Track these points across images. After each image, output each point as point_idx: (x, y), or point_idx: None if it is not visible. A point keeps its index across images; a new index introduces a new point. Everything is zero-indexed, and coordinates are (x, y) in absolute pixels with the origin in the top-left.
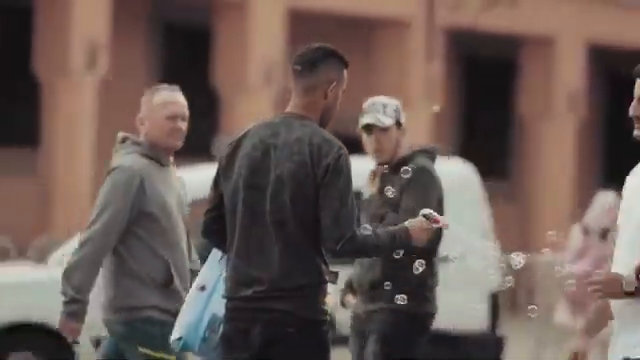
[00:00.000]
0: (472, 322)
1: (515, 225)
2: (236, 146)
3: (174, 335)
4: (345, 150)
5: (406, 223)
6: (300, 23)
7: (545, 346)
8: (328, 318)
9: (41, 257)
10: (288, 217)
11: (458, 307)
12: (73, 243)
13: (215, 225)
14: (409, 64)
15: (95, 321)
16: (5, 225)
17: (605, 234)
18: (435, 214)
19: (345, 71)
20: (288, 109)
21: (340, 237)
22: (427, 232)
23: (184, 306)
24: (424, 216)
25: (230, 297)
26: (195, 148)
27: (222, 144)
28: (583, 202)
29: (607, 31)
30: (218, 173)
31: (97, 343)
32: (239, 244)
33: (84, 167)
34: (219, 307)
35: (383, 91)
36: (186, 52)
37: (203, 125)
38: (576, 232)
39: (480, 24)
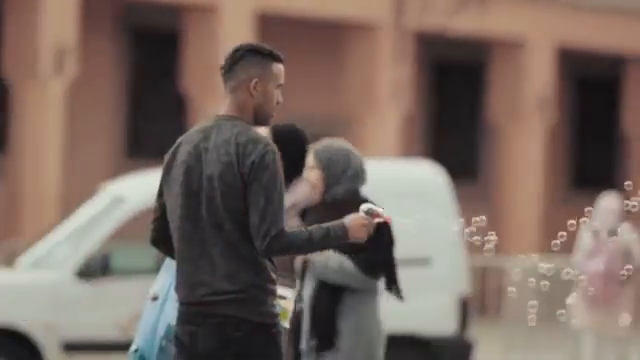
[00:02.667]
0: (441, 326)
1: (486, 227)
2: (174, 154)
3: (132, 347)
4: (272, 147)
5: (344, 219)
6: (269, 26)
7: (514, 350)
8: (279, 320)
9: (9, 260)
10: (224, 219)
11: (427, 311)
12: (41, 247)
13: (162, 234)
14: (378, 67)
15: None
16: None
17: (613, 234)
18: (377, 208)
19: (274, 65)
20: (221, 111)
21: (265, 234)
22: (366, 228)
23: (141, 317)
24: (365, 212)
25: (180, 302)
26: (164, 152)
27: None
28: (551, 205)
29: (576, 35)
30: (161, 182)
31: None
32: (182, 249)
33: (52, 170)
34: (173, 316)
35: (352, 94)
36: (154, 55)
37: (172, 128)
38: (584, 234)
39: (449, 27)
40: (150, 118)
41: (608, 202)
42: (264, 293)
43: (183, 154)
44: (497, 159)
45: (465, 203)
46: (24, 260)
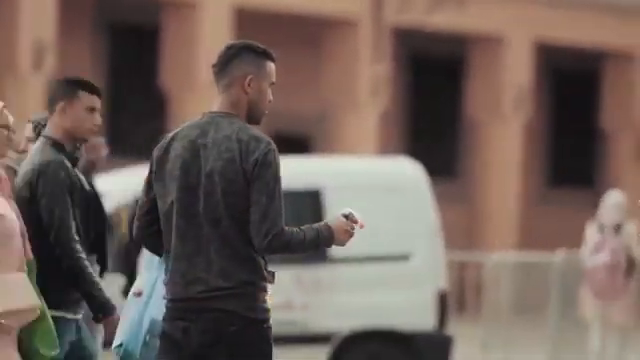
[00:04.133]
0: (420, 321)
1: (463, 224)
2: (166, 148)
3: (115, 342)
4: (273, 146)
5: (329, 222)
6: (248, 22)
7: (491, 346)
8: (270, 316)
9: None
10: (222, 216)
11: (406, 306)
12: None
13: (149, 229)
14: (356, 63)
15: None
16: None
17: (618, 229)
18: (355, 214)
19: (268, 63)
20: (214, 108)
21: (267, 232)
22: (349, 234)
23: (124, 311)
24: (344, 216)
25: (171, 299)
26: (143, 148)
27: None
28: (529, 202)
29: (553, 30)
30: (150, 177)
31: None
32: (177, 246)
33: None
34: (158, 311)
35: (331, 90)
36: (133, 51)
37: (151, 125)
38: (591, 230)
39: (427, 24)
40: (129, 114)
41: (613, 198)
42: (258, 290)
43: (177, 149)
44: (475, 155)
45: (443, 199)
46: None
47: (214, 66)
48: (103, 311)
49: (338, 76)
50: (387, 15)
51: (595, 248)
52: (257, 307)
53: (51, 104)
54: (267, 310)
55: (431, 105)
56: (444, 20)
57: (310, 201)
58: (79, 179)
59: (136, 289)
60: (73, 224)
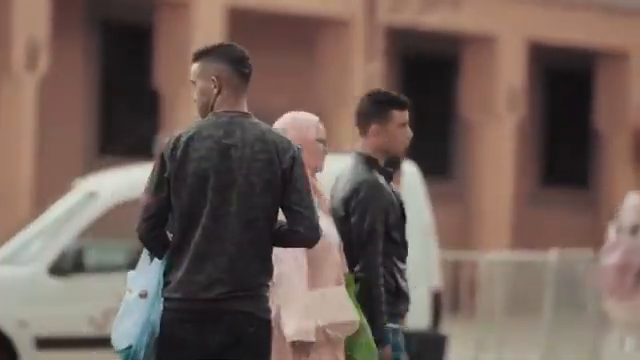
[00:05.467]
0: (414, 319)
1: (457, 224)
2: (185, 148)
3: (121, 344)
4: (297, 145)
5: None
6: (241, 21)
7: (486, 346)
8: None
9: None
10: (258, 216)
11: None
12: (14, 244)
13: (154, 232)
14: (350, 63)
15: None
16: None
17: (635, 230)
18: None
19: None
20: (226, 108)
21: (317, 225)
22: None
23: (126, 313)
24: None
25: (185, 298)
26: (136, 148)
27: (163, 144)
28: (522, 202)
29: (547, 30)
30: (161, 178)
31: None
32: (201, 246)
33: (25, 165)
34: (157, 312)
35: (324, 90)
36: (127, 50)
37: (144, 125)
38: (611, 230)
39: (421, 23)
40: (122, 113)
41: (632, 200)
42: (268, 290)
43: (201, 150)
44: (469, 155)
45: (437, 198)
46: None
47: (247, 68)
48: (382, 341)
49: (331, 76)
50: (380, 15)
51: (609, 248)
52: (269, 308)
53: (363, 123)
54: (271, 311)
55: (424, 105)
56: (438, 20)
57: None
58: (394, 195)
59: (141, 290)
60: (380, 243)
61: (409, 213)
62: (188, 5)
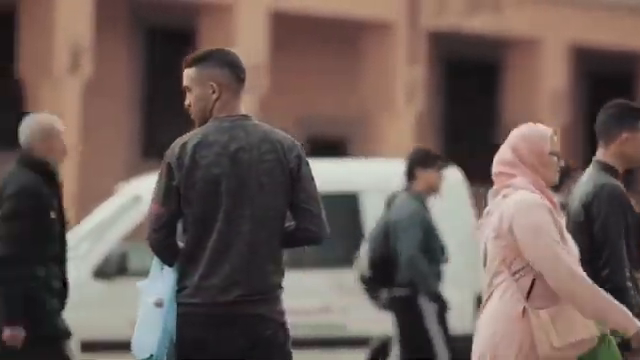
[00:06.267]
0: (459, 324)
1: None
2: (192, 155)
3: (142, 354)
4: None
5: None
6: (284, 25)
7: None
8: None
9: None
10: (270, 217)
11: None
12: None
13: (166, 240)
14: (392, 67)
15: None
16: None
17: None
18: None
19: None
20: (226, 113)
21: (325, 223)
22: None
23: (143, 323)
24: None
25: (203, 303)
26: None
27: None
28: None
29: (590, 33)
30: (171, 187)
31: None
32: (217, 251)
33: (68, 169)
34: (173, 320)
35: (367, 93)
36: (169, 54)
37: (187, 128)
38: None
39: (463, 27)
40: (166, 117)
41: None
42: (282, 292)
43: (209, 156)
44: None
45: (481, 202)
46: None
47: (243, 73)
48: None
49: (374, 79)
50: (423, 18)
51: None
52: (284, 310)
53: (612, 132)
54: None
55: (467, 109)
56: (480, 23)
57: (347, 204)
58: (630, 202)
59: (156, 299)
60: (624, 249)
61: (453, 218)
62: (231, 9)
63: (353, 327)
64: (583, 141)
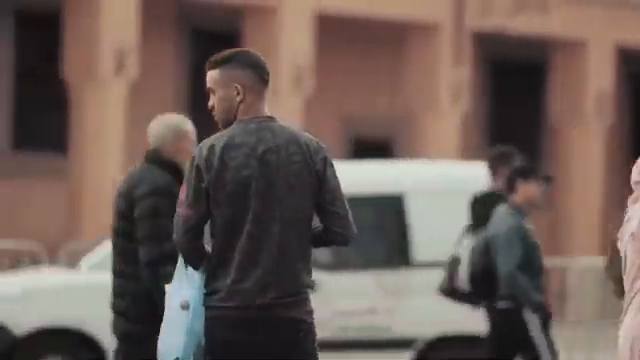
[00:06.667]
0: None
1: (547, 228)
2: (221, 157)
3: (168, 357)
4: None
5: None
6: (329, 27)
7: (575, 350)
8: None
9: (72, 262)
10: (299, 218)
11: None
12: (102, 249)
13: (193, 243)
14: (437, 67)
15: None
16: (35, 230)
17: None
18: None
19: None
20: (251, 114)
21: (352, 224)
22: None
23: (168, 326)
24: None
25: (237, 306)
26: None
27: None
28: (612, 204)
29: (635, 34)
30: (200, 189)
31: None
32: (248, 253)
33: (113, 171)
34: (201, 323)
35: (412, 94)
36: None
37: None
38: None
39: (508, 27)
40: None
41: None
42: (310, 292)
43: (238, 157)
44: (557, 159)
45: None
46: (87, 261)
47: (267, 74)
48: None
49: (419, 80)
50: (468, 19)
51: None
52: (312, 309)
53: None
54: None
55: (512, 109)
56: (526, 24)
57: (392, 206)
58: None
59: (183, 302)
60: None
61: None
62: (276, 10)
63: (398, 329)
64: (628, 142)
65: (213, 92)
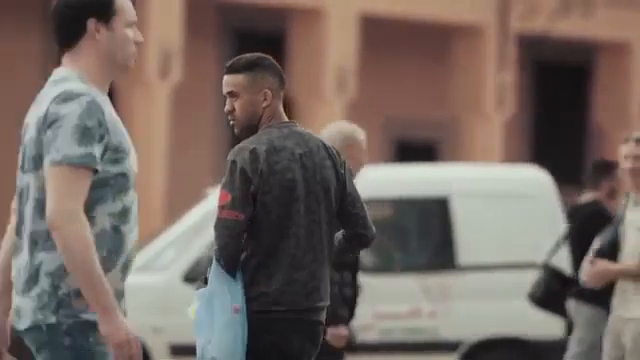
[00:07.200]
0: (548, 329)
1: None
2: (266, 161)
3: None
4: None
5: None
6: (374, 29)
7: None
8: None
9: None
10: (332, 222)
11: (534, 314)
12: (148, 252)
13: (240, 246)
14: (482, 71)
15: None
16: None
17: None
18: None
19: None
20: (280, 118)
21: (371, 224)
22: None
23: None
24: None
25: (289, 309)
26: None
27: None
28: None
29: None
30: (247, 193)
31: None
32: (296, 256)
33: (158, 173)
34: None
35: (457, 97)
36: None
37: None
38: None
39: (553, 30)
40: None
41: None
42: None
43: (283, 161)
44: None
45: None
46: (136, 260)
47: (284, 80)
48: None
49: (464, 83)
50: (513, 22)
51: None
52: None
53: None
54: None
55: (557, 112)
56: (570, 27)
57: (438, 209)
58: None
59: (237, 305)
60: None
61: (544, 221)
62: (321, 13)
63: (443, 332)
64: None
65: (235, 96)
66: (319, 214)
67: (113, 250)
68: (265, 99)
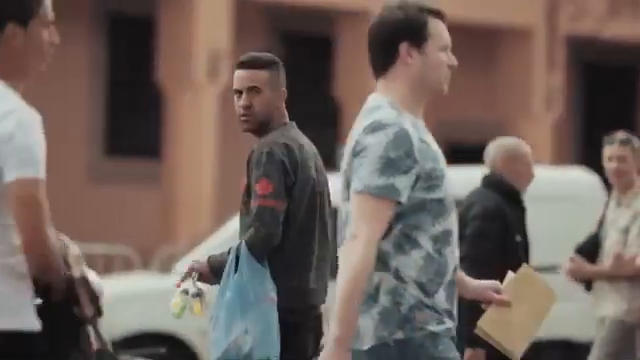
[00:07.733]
0: (594, 330)
1: None
2: (298, 156)
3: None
4: None
5: None
6: None
7: None
8: None
9: (165, 267)
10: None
11: (580, 315)
12: (196, 255)
13: (280, 236)
14: (531, 73)
15: None
16: (129, 235)
17: None
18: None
19: None
20: (287, 119)
21: None
22: None
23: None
24: None
25: (313, 305)
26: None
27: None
28: None
29: None
30: (286, 185)
31: None
32: (316, 254)
33: (207, 177)
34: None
35: (506, 100)
36: (308, 59)
37: (326, 132)
38: None
39: (602, 32)
40: (302, 122)
41: None
42: None
43: (308, 159)
44: None
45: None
46: (181, 266)
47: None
48: None
49: (513, 85)
50: (562, 24)
51: None
52: None
53: None
54: None
55: (606, 114)
56: (619, 28)
57: None
58: None
59: (273, 294)
60: None
61: (591, 224)
62: (368, 14)
63: None
64: None
65: (257, 92)
66: (326, 211)
67: (438, 272)
68: (281, 97)
